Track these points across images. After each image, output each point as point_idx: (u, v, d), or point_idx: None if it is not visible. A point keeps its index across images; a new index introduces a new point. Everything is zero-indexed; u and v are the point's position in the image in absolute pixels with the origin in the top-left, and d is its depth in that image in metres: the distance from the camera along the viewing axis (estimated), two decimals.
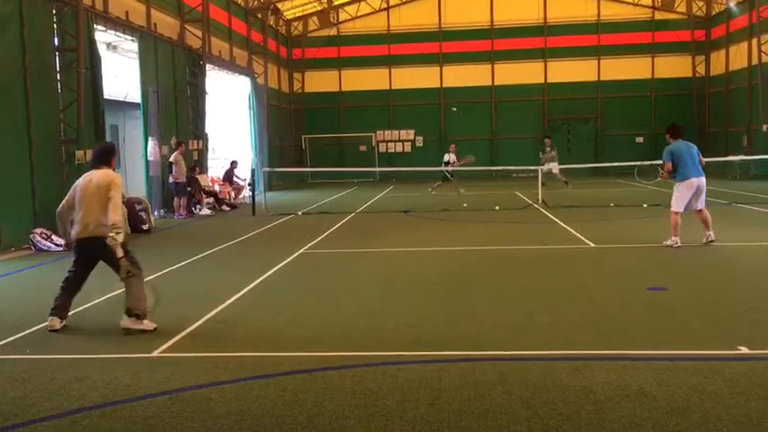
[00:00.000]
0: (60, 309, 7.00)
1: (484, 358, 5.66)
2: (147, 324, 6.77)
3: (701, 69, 35.05)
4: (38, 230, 12.91)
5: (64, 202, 7.14)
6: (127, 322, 6.74)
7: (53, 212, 14.12)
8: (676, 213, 10.98)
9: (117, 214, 6.68)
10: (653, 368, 5.27)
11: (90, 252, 6.92)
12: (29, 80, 13.40)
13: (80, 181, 7.10)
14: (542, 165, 22.97)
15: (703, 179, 10.97)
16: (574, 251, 11.30)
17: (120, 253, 6.68)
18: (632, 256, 10.65)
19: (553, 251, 11.34)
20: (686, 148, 11.03)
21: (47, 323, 6.90)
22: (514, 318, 7.05)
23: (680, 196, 11.01)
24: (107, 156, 7.26)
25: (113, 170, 7.18)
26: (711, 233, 11.09)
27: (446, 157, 23.98)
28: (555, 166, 24.23)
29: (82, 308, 7.86)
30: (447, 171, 23.73)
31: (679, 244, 10.95)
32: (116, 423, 4.52)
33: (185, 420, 4.51)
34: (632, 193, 22.19)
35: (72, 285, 7.11)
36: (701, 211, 11.07)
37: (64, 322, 6.98)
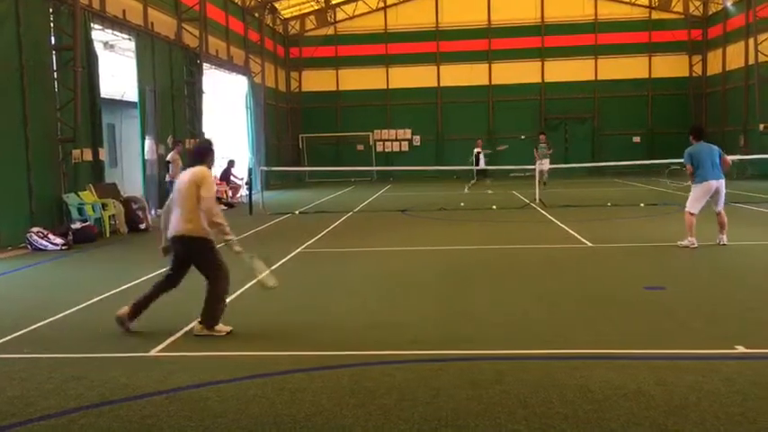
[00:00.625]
0: (139, 305, 6.80)
1: (482, 357, 5.67)
2: (220, 328, 6.57)
3: (697, 69, 35.11)
4: (34, 229, 12.88)
5: (166, 204, 7.01)
6: (198, 327, 6.56)
7: (50, 211, 14.26)
8: (691, 214, 10.95)
9: (215, 215, 6.50)
10: (651, 367, 5.28)
11: (179, 251, 6.72)
12: (25, 79, 13.37)
13: (178, 179, 7.00)
14: (537, 162, 22.81)
15: (722, 182, 10.91)
16: (571, 250, 11.31)
17: (238, 248, 6.56)
18: (629, 256, 10.66)
19: (550, 250, 11.35)
20: (707, 149, 10.98)
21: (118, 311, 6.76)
22: (512, 317, 7.06)
23: (696, 198, 10.98)
24: (202, 153, 6.98)
25: (209, 168, 6.95)
26: (725, 237, 11.00)
27: (476, 152, 24.51)
28: (546, 164, 23.83)
29: (78, 307, 7.85)
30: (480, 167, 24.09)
31: (695, 244, 10.90)
32: (113, 422, 4.51)
33: (183, 420, 4.51)
34: (629, 192, 22.23)
35: (162, 284, 6.88)
36: (719, 213, 11.01)
37: (133, 323, 6.76)
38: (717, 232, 11.09)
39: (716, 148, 11.14)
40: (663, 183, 25.12)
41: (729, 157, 11.50)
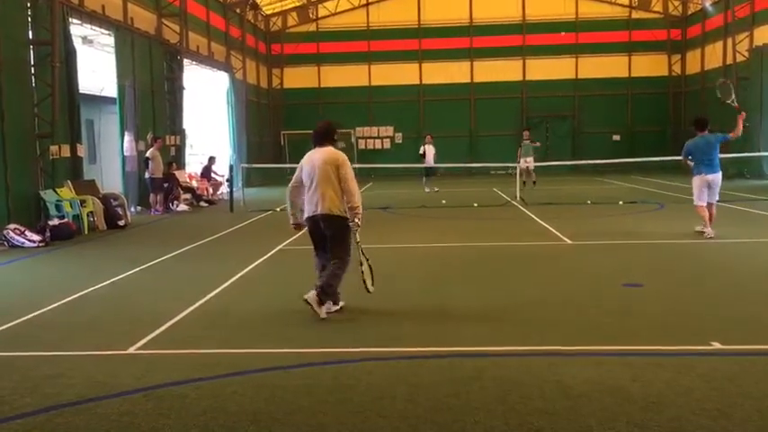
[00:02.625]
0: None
1: (460, 354, 5.69)
2: (331, 306, 6.91)
3: (677, 68, 35.46)
4: (11, 226, 12.73)
5: (291, 183, 7.19)
6: (311, 296, 6.78)
7: (27, 208, 14.10)
8: (701, 207, 11.43)
9: (356, 196, 6.84)
10: (628, 363, 5.33)
11: (320, 230, 6.97)
12: (2, 74, 13.20)
13: (304, 160, 7.12)
14: (522, 160, 22.60)
15: (717, 175, 11.35)
16: (551, 248, 11.38)
17: (358, 237, 6.96)
18: (608, 253, 10.74)
19: (530, 248, 11.41)
20: (704, 144, 11.36)
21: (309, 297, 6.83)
22: (491, 313, 7.09)
23: (696, 190, 11.50)
24: (330, 132, 7.18)
25: (336, 148, 7.15)
26: (711, 230, 11.35)
27: (421, 150, 23.56)
28: (531, 162, 23.26)
29: (55, 305, 7.78)
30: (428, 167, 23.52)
31: (711, 235, 11.31)
32: (91, 420, 4.48)
33: (160, 417, 4.48)
34: (608, 190, 22.40)
35: (324, 267, 7.08)
36: (710, 204, 11.46)
37: (340, 304, 7.11)
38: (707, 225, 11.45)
39: (715, 139, 11.43)
40: (641, 180, 25.32)
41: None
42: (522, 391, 4.77)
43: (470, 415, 4.41)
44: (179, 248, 11.78)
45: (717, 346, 5.74)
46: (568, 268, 9.58)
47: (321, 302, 6.80)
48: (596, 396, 4.67)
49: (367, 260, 7.13)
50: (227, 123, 27.29)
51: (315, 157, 6.99)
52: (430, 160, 23.50)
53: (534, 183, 23.22)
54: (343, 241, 7.00)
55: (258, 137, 32.59)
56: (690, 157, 11.58)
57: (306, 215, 7.07)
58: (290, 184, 7.25)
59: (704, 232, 11.39)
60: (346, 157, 7.03)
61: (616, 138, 35.10)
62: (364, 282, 7.12)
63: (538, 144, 24.48)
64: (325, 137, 7.12)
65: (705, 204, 11.40)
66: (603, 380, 4.97)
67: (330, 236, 6.97)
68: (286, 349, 5.95)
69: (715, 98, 31.10)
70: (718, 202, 11.92)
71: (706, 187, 11.33)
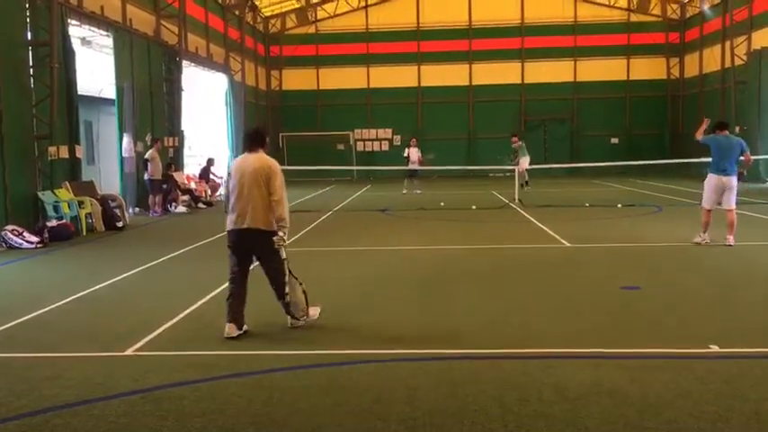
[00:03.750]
0: (236, 314, 6.41)
1: (459, 356, 5.69)
2: (312, 312, 6.65)
3: (675, 71, 35.51)
4: (9, 227, 12.71)
5: (226, 192, 6.77)
6: (293, 320, 6.57)
7: (25, 209, 14.07)
8: (706, 210, 11.08)
9: (285, 208, 6.38)
10: (626, 366, 5.33)
11: (244, 245, 6.44)
12: (0, 75, 13.18)
13: (233, 166, 6.63)
14: (515, 163, 22.81)
15: (733, 179, 10.84)
16: (549, 250, 11.38)
17: (284, 254, 6.42)
18: (606, 256, 10.75)
19: (528, 250, 11.42)
20: (726, 143, 10.88)
21: (225, 330, 6.34)
22: (489, 316, 7.09)
23: (706, 191, 11.11)
24: (261, 136, 6.64)
25: (267, 153, 6.62)
26: (731, 238, 10.94)
27: (406, 152, 23.96)
28: (526, 163, 23.45)
29: (52, 306, 7.77)
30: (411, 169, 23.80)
31: (707, 241, 11.07)
32: (88, 422, 4.47)
33: (158, 419, 4.48)
34: (607, 193, 22.42)
35: (237, 286, 6.51)
36: (728, 211, 10.99)
37: (244, 329, 6.42)
38: (726, 232, 11.07)
39: (738, 143, 11.00)
40: (640, 183, 25.36)
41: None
42: (520, 394, 4.77)
43: (468, 417, 4.41)
44: (177, 250, 11.77)
45: (715, 348, 5.75)
46: (566, 271, 9.58)
47: (297, 317, 6.51)
48: (594, 398, 4.67)
49: (300, 284, 6.60)
50: (225, 125, 27.28)
51: (244, 165, 6.44)
52: (414, 162, 23.85)
53: (527, 183, 23.28)
54: (275, 254, 6.42)
55: None
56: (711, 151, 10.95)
57: (229, 227, 6.46)
58: (226, 194, 6.75)
59: (699, 243, 11.08)
60: (278, 166, 6.50)
61: (614, 141, 35.14)
62: (289, 310, 6.53)
63: (521, 143, 24.27)
64: (256, 141, 6.58)
65: (710, 207, 11.05)
66: (601, 382, 4.97)
67: (259, 255, 6.47)
68: (284, 351, 5.95)
69: (713, 101, 31.24)
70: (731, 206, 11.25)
71: (718, 190, 10.90)
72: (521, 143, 24.10)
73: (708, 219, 11.12)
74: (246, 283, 6.59)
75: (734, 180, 10.93)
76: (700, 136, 11.29)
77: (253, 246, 6.43)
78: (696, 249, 10.92)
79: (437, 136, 34.34)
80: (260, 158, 6.45)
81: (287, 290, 6.49)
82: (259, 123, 6.91)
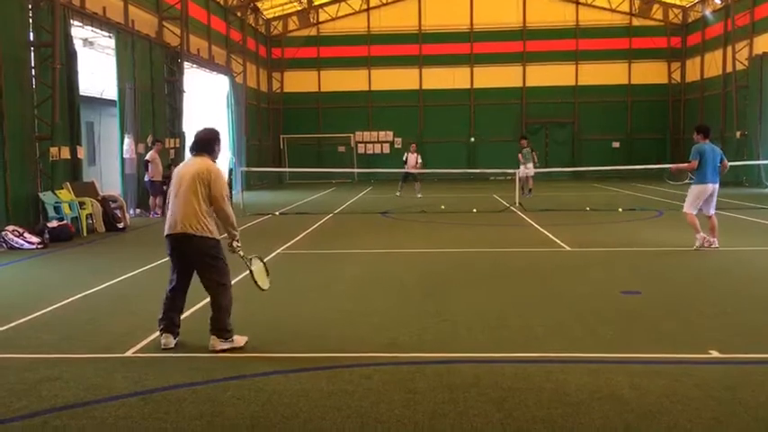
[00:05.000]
0: (170, 325, 6.18)
1: (458, 360, 5.68)
2: (238, 340, 6.11)
3: (676, 76, 35.54)
4: (10, 228, 12.72)
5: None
6: (215, 343, 6.02)
7: (26, 210, 14.08)
8: (692, 215, 11.16)
9: (231, 218, 6.10)
10: (625, 371, 5.32)
11: (181, 251, 6.11)
12: (2, 75, 13.21)
13: (178, 168, 6.33)
14: (522, 167, 22.82)
15: (718, 186, 11.08)
16: (549, 254, 11.38)
17: (241, 252, 6.19)
18: (607, 260, 10.75)
19: (529, 254, 11.41)
20: (711, 151, 11.02)
21: (159, 337, 6.15)
22: (489, 320, 7.08)
23: (693, 198, 11.14)
24: (211, 142, 6.30)
25: (215, 161, 6.30)
26: (716, 240, 11.11)
27: (405, 156, 24.03)
28: (531, 169, 23.49)
29: (53, 307, 7.77)
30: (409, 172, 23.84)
31: (709, 241, 11.12)
32: (87, 423, 4.47)
33: (158, 421, 4.47)
34: (608, 197, 22.41)
35: (174, 293, 6.24)
36: (710, 217, 11.15)
37: (177, 338, 6.20)
38: (709, 236, 11.20)
39: (719, 150, 11.22)
40: (640, 187, 25.35)
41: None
42: (520, 398, 4.77)
43: (468, 421, 4.41)
44: None
45: (714, 354, 5.75)
46: (567, 275, 9.57)
47: (226, 338, 6.05)
48: (593, 403, 4.67)
49: (261, 260, 6.57)
50: (226, 127, 27.30)
51: (184, 170, 6.14)
52: (411, 166, 23.78)
53: (530, 190, 23.21)
54: (212, 265, 6.07)
55: (257, 140, 32.62)
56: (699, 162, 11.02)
57: (165, 232, 6.14)
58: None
59: (703, 244, 11.09)
60: (221, 172, 6.18)
61: (615, 144, 35.17)
62: (255, 282, 6.41)
63: (536, 152, 24.41)
64: (204, 146, 6.25)
65: (696, 213, 11.14)
66: (601, 387, 4.97)
67: (194, 261, 6.10)
68: (283, 354, 5.95)
69: (714, 106, 31.26)
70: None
71: (705, 197, 11.04)
72: (527, 148, 23.85)
73: (695, 220, 11.18)
74: (186, 292, 6.30)
75: (717, 186, 11.12)
76: (683, 168, 11.41)
77: (185, 251, 6.10)
78: (696, 254, 10.92)
79: (438, 139, 34.41)
80: (202, 162, 6.15)
81: (222, 302, 6.10)
82: (212, 128, 6.57)
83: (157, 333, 6.29)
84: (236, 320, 7.07)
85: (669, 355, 5.80)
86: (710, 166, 10.92)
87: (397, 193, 23.67)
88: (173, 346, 6.12)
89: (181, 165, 6.42)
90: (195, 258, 6.10)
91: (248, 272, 6.48)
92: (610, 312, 7.30)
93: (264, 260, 6.78)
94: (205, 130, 6.43)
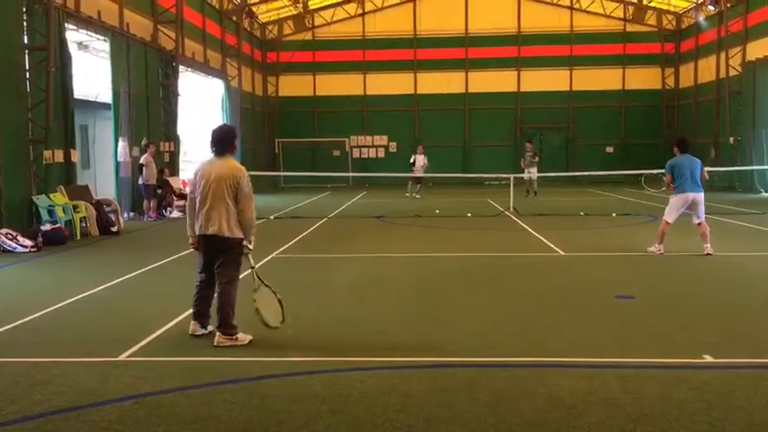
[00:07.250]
0: (199, 314, 6.54)
1: (453, 365, 5.68)
2: (242, 338, 6.28)
3: (670, 81, 35.68)
4: (3, 231, 12.67)
5: (189, 195, 6.59)
6: (221, 339, 6.23)
7: (19, 213, 14.03)
8: (666, 223, 11.37)
9: (252, 218, 6.33)
10: (619, 376, 5.33)
11: (212, 250, 6.36)
12: None
13: (201, 171, 6.40)
14: (525, 171, 23.50)
15: (700, 194, 11.17)
16: (544, 259, 11.39)
17: (252, 262, 6.45)
18: (601, 265, 10.77)
19: (523, 259, 11.43)
20: (688, 162, 11.23)
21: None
22: (484, 324, 7.08)
23: (672, 208, 11.35)
24: (230, 139, 6.42)
25: (234, 155, 6.48)
26: (709, 246, 11.20)
27: (412, 159, 24.48)
28: (534, 173, 24.28)
29: (46, 311, 7.74)
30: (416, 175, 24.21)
31: (662, 251, 11.30)
32: (80, 428, 4.45)
33: (151, 426, 4.46)
34: (602, 202, 22.47)
35: (205, 287, 6.53)
36: (699, 224, 11.28)
37: (208, 329, 6.49)
38: (701, 242, 11.28)
39: (697, 161, 11.38)
40: (634, 193, 25.41)
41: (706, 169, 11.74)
42: (514, 403, 4.77)
43: (462, 426, 4.41)
44: (172, 255, 11.73)
45: (709, 359, 5.76)
46: (561, 279, 9.59)
47: (231, 335, 6.25)
48: (588, 408, 4.67)
49: (274, 293, 6.46)
50: None
51: (211, 171, 6.28)
52: (419, 169, 24.22)
53: (535, 193, 23.96)
54: (234, 261, 6.37)
55: (253, 144, 32.57)
56: (672, 175, 11.29)
57: (197, 231, 6.39)
58: (188, 197, 6.61)
59: (654, 252, 11.35)
60: (246, 174, 6.34)
61: (610, 150, 35.28)
62: (261, 315, 6.38)
63: (537, 159, 25.12)
64: (225, 145, 6.38)
65: (672, 222, 11.33)
66: (595, 392, 4.97)
67: (220, 256, 6.36)
68: (278, 357, 5.93)
69: (708, 111, 31.43)
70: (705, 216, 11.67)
71: (686, 206, 11.21)
72: (530, 152, 24.58)
73: (666, 229, 11.39)
74: (214, 285, 6.50)
75: (702, 196, 11.21)
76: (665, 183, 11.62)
77: (217, 253, 6.37)
78: (690, 259, 10.95)
79: (433, 143, 34.34)
80: (227, 164, 6.31)
81: (232, 295, 6.37)
82: (228, 124, 6.59)
83: (150, 337, 6.40)
84: None
85: (663, 359, 5.81)
86: (688, 176, 11.11)
87: (416, 195, 24.13)
88: (198, 334, 6.49)
89: (204, 165, 6.46)
90: (222, 254, 6.36)
91: (254, 291, 6.45)
92: (604, 317, 7.32)
93: (279, 295, 6.51)
94: (221, 127, 6.60)
